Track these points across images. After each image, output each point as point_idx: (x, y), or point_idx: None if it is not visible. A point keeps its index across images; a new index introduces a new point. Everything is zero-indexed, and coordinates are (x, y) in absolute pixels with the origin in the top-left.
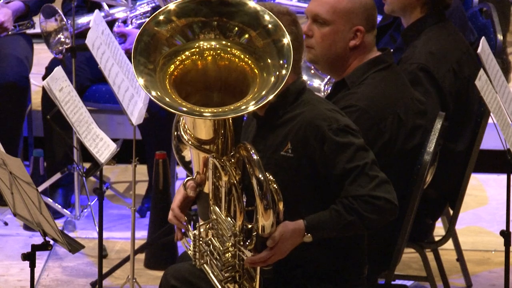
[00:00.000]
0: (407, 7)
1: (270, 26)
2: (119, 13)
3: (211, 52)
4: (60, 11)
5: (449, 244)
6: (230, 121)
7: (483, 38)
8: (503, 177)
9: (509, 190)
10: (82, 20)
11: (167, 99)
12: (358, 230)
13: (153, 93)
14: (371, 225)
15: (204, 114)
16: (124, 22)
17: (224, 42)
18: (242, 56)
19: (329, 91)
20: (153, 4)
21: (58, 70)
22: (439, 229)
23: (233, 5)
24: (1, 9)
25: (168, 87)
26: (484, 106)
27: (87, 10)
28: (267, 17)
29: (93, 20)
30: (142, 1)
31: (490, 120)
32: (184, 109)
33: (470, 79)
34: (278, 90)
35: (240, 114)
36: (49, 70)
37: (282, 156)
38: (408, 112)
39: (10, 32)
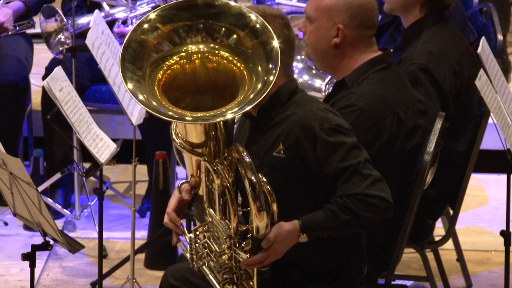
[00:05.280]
0: (407, 6)
1: (257, 26)
2: (119, 13)
3: (199, 55)
4: (60, 11)
5: (449, 244)
6: (221, 124)
7: (483, 38)
8: (503, 177)
9: (509, 190)
10: (82, 20)
11: (154, 103)
12: (354, 229)
13: (140, 97)
14: (366, 224)
15: (186, 118)
16: (124, 22)
17: (212, 45)
18: (230, 58)
19: (330, 91)
20: (153, 4)
21: (58, 70)
22: (439, 229)
23: (218, 7)
24: (1, 9)
25: (157, 92)
26: (484, 106)
27: (87, 10)
28: (253, 17)
29: (93, 20)
30: (142, 1)
31: (490, 120)
32: (170, 113)
33: (470, 79)
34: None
35: (218, 120)
36: (49, 70)
37: (275, 157)
38: (408, 112)
39: (10, 32)
